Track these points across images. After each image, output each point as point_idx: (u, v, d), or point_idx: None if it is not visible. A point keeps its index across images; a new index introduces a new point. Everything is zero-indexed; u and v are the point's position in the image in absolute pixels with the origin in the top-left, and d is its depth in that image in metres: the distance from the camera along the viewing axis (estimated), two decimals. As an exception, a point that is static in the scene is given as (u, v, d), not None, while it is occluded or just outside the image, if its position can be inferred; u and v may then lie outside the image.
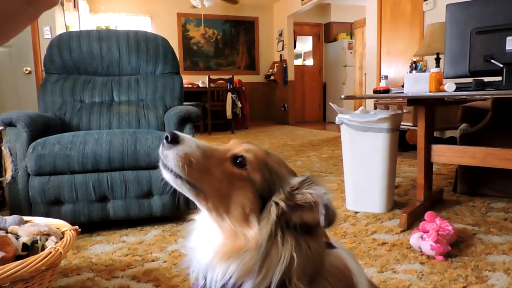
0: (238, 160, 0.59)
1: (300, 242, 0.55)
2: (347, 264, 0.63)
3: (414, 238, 1.58)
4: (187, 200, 1.92)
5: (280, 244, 0.55)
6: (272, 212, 0.56)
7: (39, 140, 1.86)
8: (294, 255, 0.54)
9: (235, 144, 0.63)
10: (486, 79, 1.73)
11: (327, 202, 0.55)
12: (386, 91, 2.15)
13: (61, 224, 1.32)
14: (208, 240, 0.61)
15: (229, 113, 6.48)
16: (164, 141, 0.58)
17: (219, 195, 0.58)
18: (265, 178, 0.58)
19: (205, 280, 0.58)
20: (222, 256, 0.57)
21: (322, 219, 0.54)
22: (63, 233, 1.25)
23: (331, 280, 0.58)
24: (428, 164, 2.06)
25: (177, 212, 1.99)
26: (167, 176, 0.59)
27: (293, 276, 0.54)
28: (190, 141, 0.59)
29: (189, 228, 0.65)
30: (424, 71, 3.57)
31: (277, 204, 0.57)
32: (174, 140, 0.57)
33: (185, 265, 0.62)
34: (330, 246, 0.65)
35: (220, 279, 0.56)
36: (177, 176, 0.58)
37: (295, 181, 0.59)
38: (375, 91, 2.18)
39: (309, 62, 8.94)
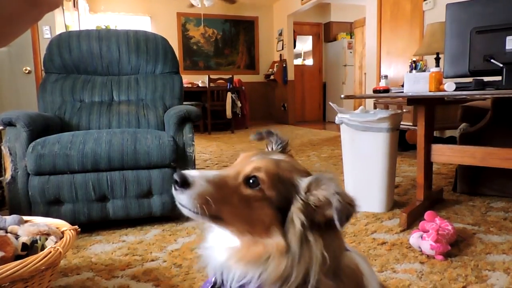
0: (251, 181, 0.59)
1: (327, 240, 0.57)
2: (359, 265, 0.65)
3: (414, 238, 1.58)
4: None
5: (311, 246, 0.56)
6: (296, 221, 0.57)
7: (38, 139, 1.86)
8: (326, 254, 0.56)
9: (245, 161, 0.64)
10: (486, 78, 1.73)
11: (339, 199, 0.55)
12: (386, 90, 2.14)
13: (61, 224, 1.32)
14: (225, 241, 0.62)
15: (229, 113, 6.47)
16: (175, 185, 0.57)
17: (239, 219, 0.60)
18: (280, 192, 0.59)
19: (221, 278, 0.60)
20: (238, 259, 0.58)
21: (336, 217, 0.55)
22: (62, 232, 1.25)
23: (344, 280, 0.60)
24: (428, 164, 2.06)
25: (177, 212, 1.98)
26: (187, 213, 0.59)
27: (320, 275, 0.56)
28: (201, 179, 0.58)
29: (205, 226, 0.66)
30: (424, 71, 3.57)
31: (295, 214, 0.58)
32: (185, 184, 0.57)
33: (202, 263, 0.63)
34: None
35: (237, 280, 0.58)
36: (197, 213, 0.58)
37: (306, 182, 0.60)
38: (375, 91, 2.18)
39: (309, 61, 8.94)
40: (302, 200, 0.58)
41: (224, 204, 0.58)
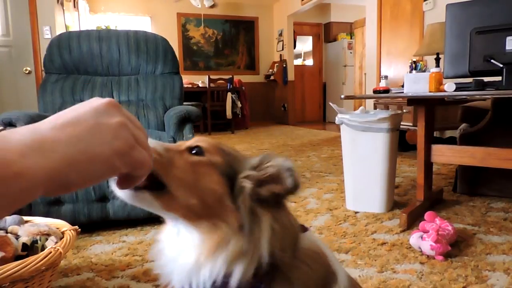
0: (194, 151, 0.57)
1: (275, 214, 0.56)
2: (321, 248, 0.62)
3: (414, 238, 1.58)
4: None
5: (259, 219, 0.54)
6: (244, 189, 0.55)
7: (39, 140, 1.86)
8: (275, 226, 0.54)
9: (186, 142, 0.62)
10: (486, 79, 1.73)
11: (290, 166, 0.55)
12: (386, 91, 2.15)
13: (61, 224, 1.32)
14: (185, 245, 0.57)
15: (229, 113, 6.47)
16: None
17: (186, 187, 0.54)
18: (225, 159, 0.58)
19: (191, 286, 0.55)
20: (207, 253, 0.53)
21: (290, 182, 0.54)
22: (63, 233, 1.25)
23: (310, 263, 0.57)
24: (428, 164, 2.06)
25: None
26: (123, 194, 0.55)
27: (275, 248, 0.54)
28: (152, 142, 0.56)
29: (156, 249, 0.61)
30: (424, 71, 3.57)
31: (245, 181, 0.56)
32: None
33: (164, 282, 0.58)
34: (303, 229, 0.64)
35: (209, 278, 0.53)
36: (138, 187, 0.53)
37: (254, 161, 0.59)
38: (375, 91, 2.18)
39: (309, 62, 8.94)
40: (249, 173, 0.57)
41: (169, 168, 0.53)
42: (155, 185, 0.53)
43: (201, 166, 0.56)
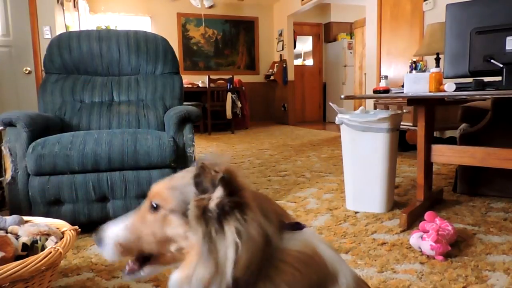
0: (154, 207, 0.64)
1: (237, 226, 0.55)
2: (316, 249, 0.60)
3: (414, 238, 1.58)
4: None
5: (223, 237, 0.55)
6: (190, 215, 0.58)
7: (39, 140, 1.86)
8: (238, 240, 0.54)
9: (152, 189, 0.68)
10: (486, 79, 1.73)
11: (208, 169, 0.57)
12: (386, 91, 2.15)
13: (61, 224, 1.32)
14: (174, 276, 0.63)
15: (229, 113, 6.47)
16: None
17: (162, 246, 0.63)
18: (177, 199, 0.61)
19: None
20: (183, 281, 0.58)
21: (218, 189, 0.56)
22: (63, 233, 1.25)
23: (299, 266, 0.56)
24: (428, 164, 2.07)
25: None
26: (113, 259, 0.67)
27: (243, 264, 0.54)
28: (114, 233, 0.66)
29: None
30: (424, 71, 3.57)
31: (189, 211, 0.59)
32: (102, 242, 0.66)
33: None
34: (295, 226, 0.63)
35: None
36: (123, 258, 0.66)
37: (192, 185, 0.61)
38: (375, 91, 2.18)
39: (309, 62, 8.94)
40: (196, 193, 0.59)
41: (142, 240, 0.64)
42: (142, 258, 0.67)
43: (161, 222, 0.63)
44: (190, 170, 0.64)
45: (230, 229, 0.55)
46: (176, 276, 0.61)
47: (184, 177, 0.63)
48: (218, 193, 0.56)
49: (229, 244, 0.54)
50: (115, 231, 0.66)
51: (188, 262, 0.59)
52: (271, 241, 0.57)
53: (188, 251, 0.60)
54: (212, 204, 0.56)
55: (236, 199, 0.56)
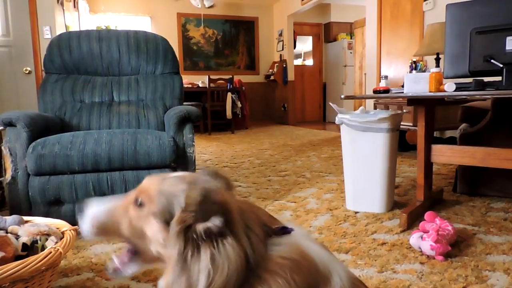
0: (138, 203, 0.65)
1: (213, 251, 0.55)
2: (304, 251, 0.59)
3: (414, 238, 1.58)
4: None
5: (198, 258, 0.56)
6: (171, 230, 0.59)
7: (39, 140, 1.86)
8: (210, 267, 0.54)
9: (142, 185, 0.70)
10: (486, 79, 1.73)
11: (211, 200, 0.58)
12: (386, 91, 2.15)
13: (61, 224, 1.32)
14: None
15: (229, 113, 6.47)
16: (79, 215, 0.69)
17: (138, 241, 0.65)
18: (162, 205, 0.61)
19: None
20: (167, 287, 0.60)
21: (213, 221, 0.56)
22: (63, 233, 1.25)
23: (284, 273, 0.55)
24: (428, 164, 2.06)
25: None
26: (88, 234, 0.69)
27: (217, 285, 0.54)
28: (96, 210, 0.68)
29: None
30: (424, 71, 3.57)
31: (173, 226, 0.59)
32: (81, 216, 0.68)
33: None
34: (283, 231, 0.62)
35: None
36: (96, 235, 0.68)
37: (183, 200, 0.61)
38: (375, 91, 2.18)
39: (309, 62, 8.94)
40: (182, 211, 0.59)
41: (120, 228, 0.67)
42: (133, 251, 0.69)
43: (141, 219, 0.64)
44: (183, 177, 0.64)
45: (206, 254, 0.55)
46: (161, 283, 0.62)
47: (175, 185, 0.63)
48: (212, 222, 0.56)
49: (202, 269, 0.55)
50: (95, 211, 0.68)
51: (167, 272, 0.60)
52: (251, 261, 0.57)
53: (166, 259, 0.61)
54: (200, 228, 0.56)
55: (223, 228, 0.56)
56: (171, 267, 0.58)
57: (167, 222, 0.60)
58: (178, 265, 0.56)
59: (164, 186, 0.64)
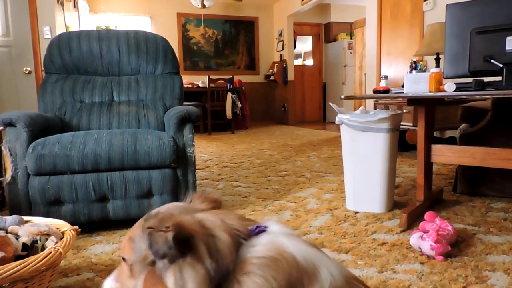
0: (123, 259, 0.68)
1: (176, 273, 0.58)
2: (282, 248, 0.59)
3: (414, 238, 1.58)
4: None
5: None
6: (135, 271, 0.63)
7: (39, 140, 1.86)
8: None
9: None
10: (486, 79, 1.73)
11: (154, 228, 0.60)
12: (386, 91, 2.15)
13: (61, 224, 1.32)
14: None
15: (229, 113, 6.47)
16: None
17: None
18: (137, 251, 0.64)
19: None
20: None
21: (160, 244, 0.59)
22: (63, 233, 1.25)
23: (261, 273, 0.55)
24: (428, 164, 2.06)
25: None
26: None
27: None
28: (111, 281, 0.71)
29: None
30: (424, 71, 3.57)
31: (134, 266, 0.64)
32: None
33: None
34: (258, 230, 0.62)
35: None
36: None
37: (144, 242, 0.63)
38: (375, 91, 2.18)
39: (309, 62, 8.94)
40: (148, 247, 0.61)
41: None
42: None
43: (128, 274, 0.67)
44: (145, 218, 0.66)
45: (170, 280, 0.58)
46: None
47: (136, 228, 0.66)
48: (163, 249, 0.58)
49: None
50: (108, 284, 0.72)
51: None
52: (212, 273, 0.58)
53: None
54: (155, 257, 0.60)
55: (175, 251, 0.58)
56: None
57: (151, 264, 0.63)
58: None
59: (131, 233, 0.67)
